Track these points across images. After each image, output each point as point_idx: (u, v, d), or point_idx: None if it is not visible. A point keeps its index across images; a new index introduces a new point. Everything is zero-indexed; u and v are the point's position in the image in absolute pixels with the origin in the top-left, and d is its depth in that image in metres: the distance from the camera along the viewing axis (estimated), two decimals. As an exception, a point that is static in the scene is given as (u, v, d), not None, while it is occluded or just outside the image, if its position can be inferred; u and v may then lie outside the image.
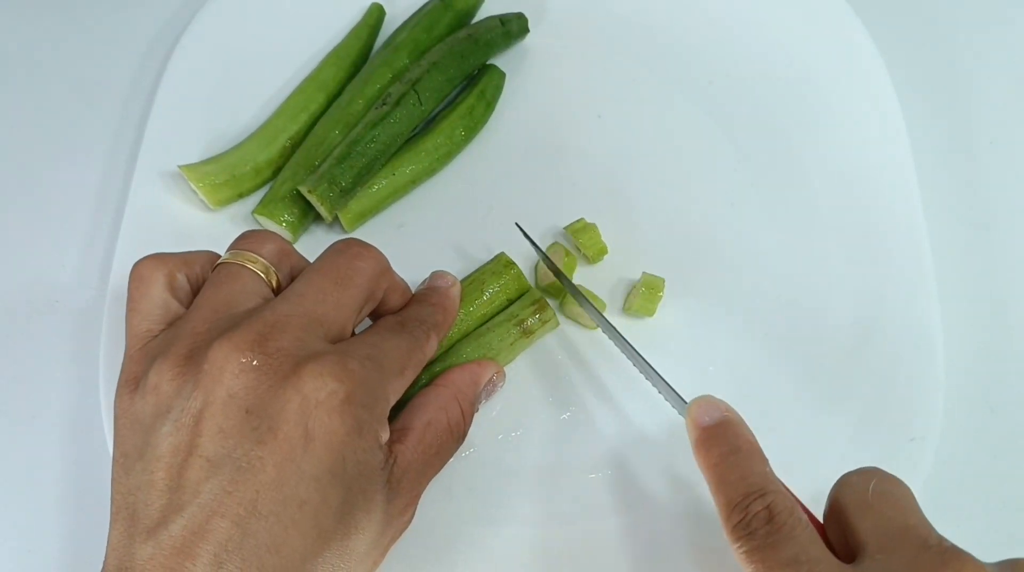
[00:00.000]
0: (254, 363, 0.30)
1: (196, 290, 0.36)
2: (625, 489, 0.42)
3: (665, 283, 0.45)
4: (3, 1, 0.57)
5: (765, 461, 0.33)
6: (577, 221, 0.47)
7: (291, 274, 0.36)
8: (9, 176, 0.51)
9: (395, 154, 0.48)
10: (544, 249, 0.46)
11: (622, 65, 0.54)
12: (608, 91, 0.53)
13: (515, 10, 0.54)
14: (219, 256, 0.37)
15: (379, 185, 0.48)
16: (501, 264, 0.44)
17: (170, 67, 0.51)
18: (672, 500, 0.41)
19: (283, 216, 0.46)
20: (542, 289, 0.46)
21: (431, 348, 0.37)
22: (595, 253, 0.46)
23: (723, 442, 0.34)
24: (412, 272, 0.47)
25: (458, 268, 0.47)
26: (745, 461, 0.33)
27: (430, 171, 0.49)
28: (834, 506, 0.31)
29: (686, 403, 0.36)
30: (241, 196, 0.48)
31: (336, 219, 0.47)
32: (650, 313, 0.46)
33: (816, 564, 0.29)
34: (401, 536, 0.35)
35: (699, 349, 0.46)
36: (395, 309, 0.39)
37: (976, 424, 0.45)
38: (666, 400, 0.39)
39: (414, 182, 0.49)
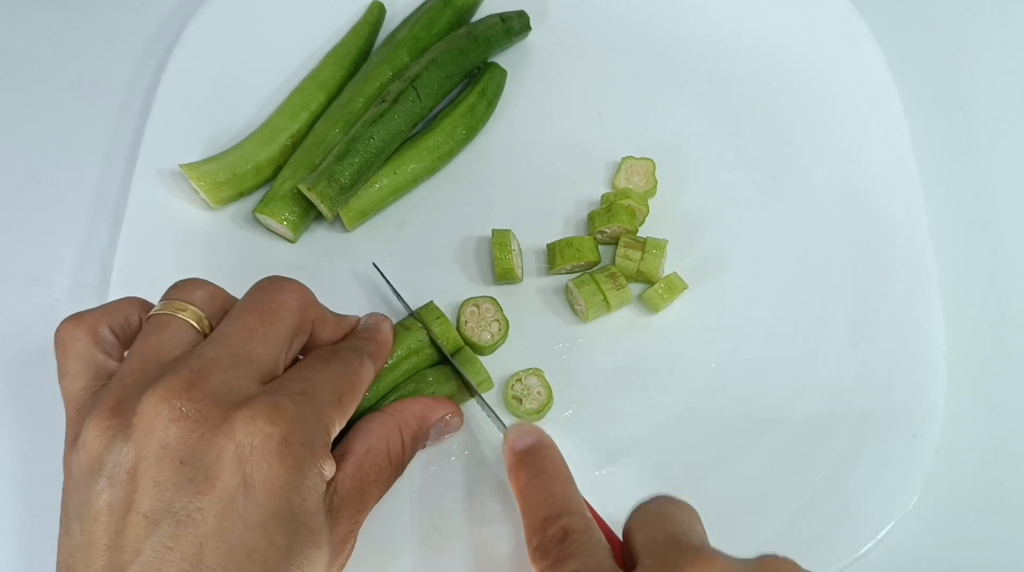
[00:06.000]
0: (183, 411, 0.30)
1: (129, 340, 0.35)
2: (627, 486, 0.42)
3: (687, 289, 0.46)
4: (2, 0, 0.57)
5: (568, 482, 0.35)
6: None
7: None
8: (9, 175, 0.51)
9: (396, 152, 0.48)
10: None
11: (623, 63, 0.54)
12: (609, 89, 0.53)
13: (517, 8, 0.54)
14: (143, 302, 0.36)
15: (380, 183, 0.47)
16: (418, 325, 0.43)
17: (170, 65, 0.51)
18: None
19: (284, 215, 0.46)
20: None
21: (367, 373, 0.37)
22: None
23: (530, 466, 0.35)
24: (412, 271, 0.47)
25: (457, 267, 0.47)
26: (548, 484, 0.34)
27: (431, 170, 0.49)
28: (625, 528, 0.32)
29: (506, 427, 0.38)
30: (242, 195, 0.48)
31: (337, 218, 0.47)
32: (657, 309, 0.46)
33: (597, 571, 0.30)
34: (347, 565, 0.35)
35: (700, 346, 0.46)
36: (328, 342, 0.38)
37: (977, 422, 0.45)
38: (495, 425, 0.40)
39: (415, 181, 0.49)
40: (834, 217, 0.49)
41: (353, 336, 0.39)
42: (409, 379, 0.42)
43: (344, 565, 0.35)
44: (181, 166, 0.46)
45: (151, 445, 0.29)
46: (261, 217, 0.47)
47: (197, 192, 0.47)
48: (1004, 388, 0.46)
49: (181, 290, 0.35)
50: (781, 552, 0.40)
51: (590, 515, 0.33)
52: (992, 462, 0.45)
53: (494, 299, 0.45)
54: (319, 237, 0.48)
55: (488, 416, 0.41)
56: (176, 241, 0.47)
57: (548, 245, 0.47)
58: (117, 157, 0.51)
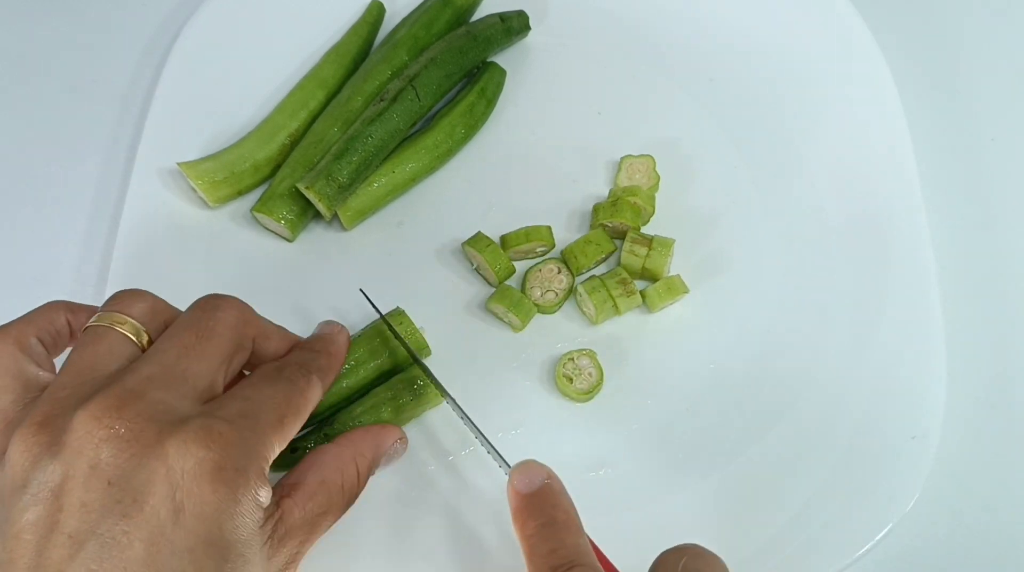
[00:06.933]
0: (115, 430, 0.29)
1: (57, 347, 0.35)
2: (625, 487, 0.42)
3: (686, 293, 0.46)
4: (2, 0, 0.57)
5: (579, 533, 0.33)
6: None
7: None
8: (7, 174, 0.51)
9: (395, 151, 0.48)
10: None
11: (622, 63, 0.54)
12: (608, 89, 0.53)
13: (517, 8, 0.54)
14: (68, 304, 0.35)
15: (378, 183, 0.47)
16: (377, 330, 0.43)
17: (169, 64, 0.51)
18: (674, 498, 0.41)
19: (282, 213, 0.46)
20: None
21: (314, 392, 0.36)
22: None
23: (539, 513, 0.33)
24: (410, 270, 0.47)
25: (455, 266, 0.47)
26: (558, 534, 0.32)
27: (430, 169, 0.49)
28: None
29: (510, 467, 0.36)
30: (240, 194, 0.48)
31: (335, 217, 0.47)
32: (654, 307, 0.46)
33: None
34: None
35: (700, 346, 0.45)
36: (274, 357, 0.37)
37: (977, 422, 0.45)
38: (496, 462, 0.39)
39: (414, 180, 0.49)
40: (834, 217, 0.48)
41: (304, 349, 0.38)
42: (385, 385, 0.42)
43: None
44: (179, 164, 0.46)
45: (80, 464, 0.29)
46: (259, 216, 0.47)
47: (195, 191, 0.47)
48: (1004, 388, 0.46)
49: (120, 301, 0.34)
50: (781, 552, 0.40)
51: (599, 566, 0.32)
52: (992, 462, 0.44)
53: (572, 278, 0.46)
54: (317, 236, 0.48)
55: (489, 452, 0.39)
56: (174, 239, 0.47)
57: (563, 251, 0.47)
58: (117, 156, 0.51)
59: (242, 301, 0.35)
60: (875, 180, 0.49)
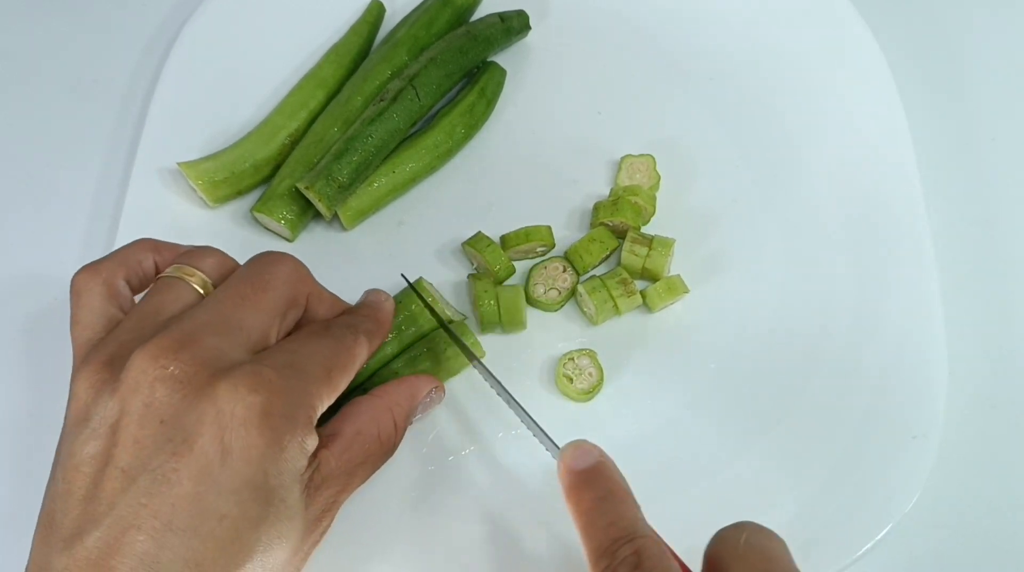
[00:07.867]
0: (170, 371, 0.30)
1: (142, 287, 0.36)
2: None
3: (687, 294, 0.46)
4: (2, 0, 0.57)
5: (637, 507, 0.32)
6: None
7: None
8: (8, 174, 0.51)
9: (395, 151, 0.48)
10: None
11: (623, 62, 0.54)
12: (609, 88, 0.53)
13: (516, 7, 0.54)
14: (155, 243, 0.37)
15: (379, 182, 0.47)
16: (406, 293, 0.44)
17: (169, 64, 0.51)
18: (674, 497, 0.41)
19: (282, 213, 0.46)
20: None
21: (361, 351, 0.36)
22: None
23: (594, 487, 0.33)
24: (410, 270, 0.47)
25: (456, 267, 0.47)
26: (616, 506, 0.32)
27: (430, 169, 0.49)
28: (710, 560, 0.30)
29: (559, 448, 0.35)
30: (240, 194, 0.48)
31: (335, 217, 0.47)
32: (654, 307, 0.46)
33: None
34: (322, 541, 0.35)
35: (700, 345, 0.45)
36: (324, 319, 0.38)
37: (978, 421, 0.45)
38: (541, 444, 0.38)
39: (414, 180, 0.49)
40: (834, 217, 0.48)
41: (352, 312, 0.39)
42: (423, 339, 0.43)
43: (318, 542, 0.35)
44: (179, 164, 0.46)
45: (135, 402, 0.30)
46: (259, 216, 0.47)
47: (195, 190, 0.47)
48: (1005, 387, 0.46)
49: (191, 256, 0.36)
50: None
51: (661, 540, 0.31)
52: (992, 462, 0.44)
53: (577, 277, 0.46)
54: (317, 236, 0.48)
55: (535, 435, 0.39)
56: (174, 239, 0.46)
57: (567, 251, 0.47)
58: (117, 156, 0.51)
59: (298, 259, 0.36)
60: (875, 180, 0.49)
